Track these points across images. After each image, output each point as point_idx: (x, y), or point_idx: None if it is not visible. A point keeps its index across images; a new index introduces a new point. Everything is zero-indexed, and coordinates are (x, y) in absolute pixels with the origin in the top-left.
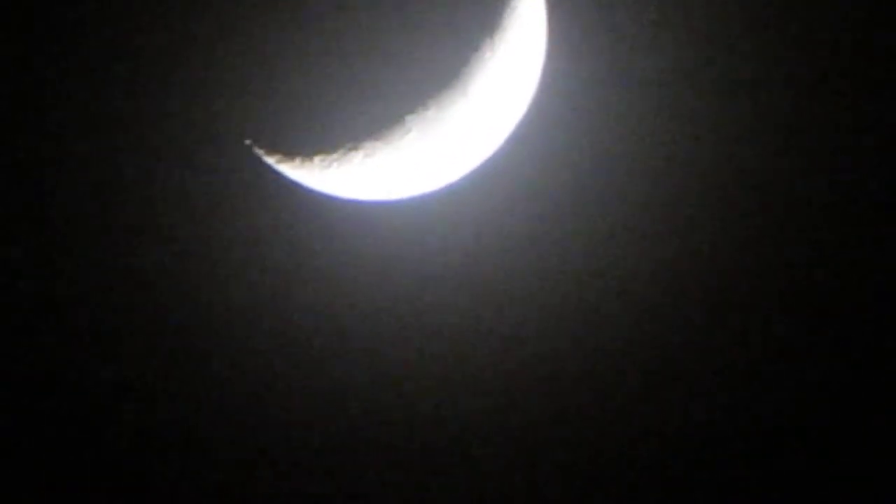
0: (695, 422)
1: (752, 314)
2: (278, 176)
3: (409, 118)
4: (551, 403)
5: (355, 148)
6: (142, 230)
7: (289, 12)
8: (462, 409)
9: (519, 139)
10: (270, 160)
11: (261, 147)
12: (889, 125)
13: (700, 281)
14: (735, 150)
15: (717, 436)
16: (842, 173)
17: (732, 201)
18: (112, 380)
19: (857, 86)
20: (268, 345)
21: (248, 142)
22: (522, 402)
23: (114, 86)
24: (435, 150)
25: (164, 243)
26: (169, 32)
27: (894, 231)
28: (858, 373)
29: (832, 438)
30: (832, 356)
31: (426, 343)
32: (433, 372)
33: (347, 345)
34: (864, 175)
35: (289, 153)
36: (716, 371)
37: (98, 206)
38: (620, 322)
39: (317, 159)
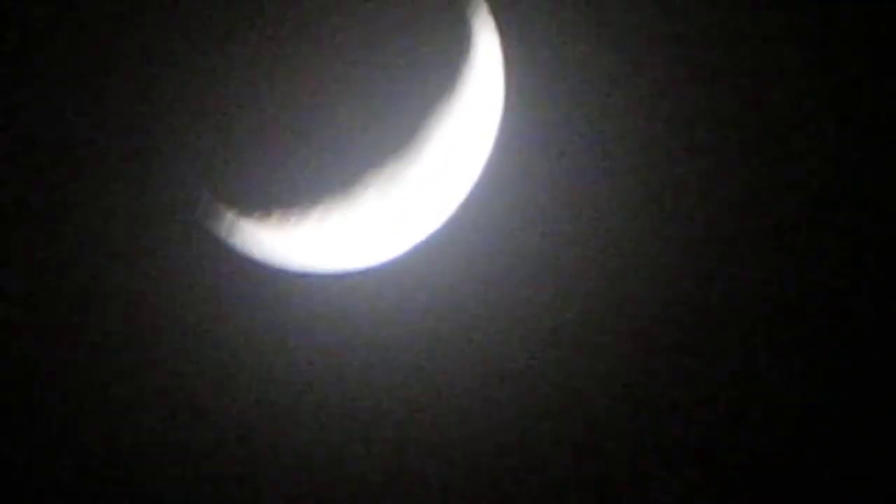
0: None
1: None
2: (234, 235)
3: (366, 178)
4: (517, 470)
5: (314, 204)
6: (97, 296)
7: (245, 68)
8: (419, 476)
9: (476, 198)
10: (228, 215)
11: (219, 201)
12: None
13: (660, 345)
14: (689, 214)
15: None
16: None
17: (687, 266)
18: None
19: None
20: (215, 422)
21: (204, 199)
22: (485, 469)
23: (67, 134)
24: (393, 209)
25: (117, 310)
26: (131, 80)
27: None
28: (858, 374)
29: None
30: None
31: (386, 413)
32: (390, 441)
33: (301, 419)
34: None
35: (246, 210)
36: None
37: (42, 273)
38: (580, 385)
39: (275, 215)
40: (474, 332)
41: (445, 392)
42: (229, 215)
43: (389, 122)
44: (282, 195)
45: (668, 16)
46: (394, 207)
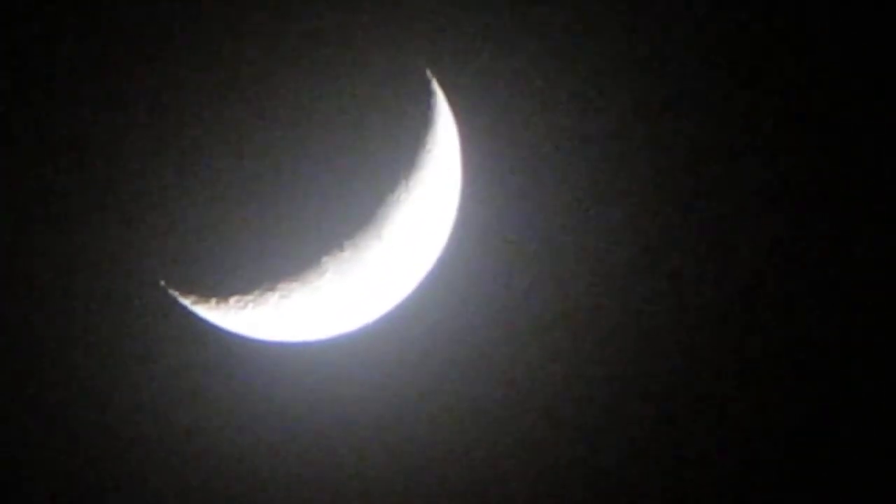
0: None
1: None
2: (193, 317)
3: (324, 259)
4: None
5: (271, 289)
6: (53, 374)
7: (204, 155)
8: None
9: (434, 279)
10: (185, 301)
11: (175, 289)
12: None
13: (623, 414)
14: (642, 284)
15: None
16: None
17: (643, 335)
18: None
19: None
20: (181, 488)
21: (162, 283)
22: None
23: (26, 226)
24: (350, 292)
25: (78, 387)
26: (85, 171)
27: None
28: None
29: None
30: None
31: (344, 486)
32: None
33: (263, 487)
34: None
35: (204, 294)
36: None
37: (10, 349)
38: (541, 458)
39: (232, 300)
40: (430, 402)
41: (401, 456)
42: (186, 302)
43: (346, 208)
44: (237, 282)
45: (617, 100)
46: (351, 290)
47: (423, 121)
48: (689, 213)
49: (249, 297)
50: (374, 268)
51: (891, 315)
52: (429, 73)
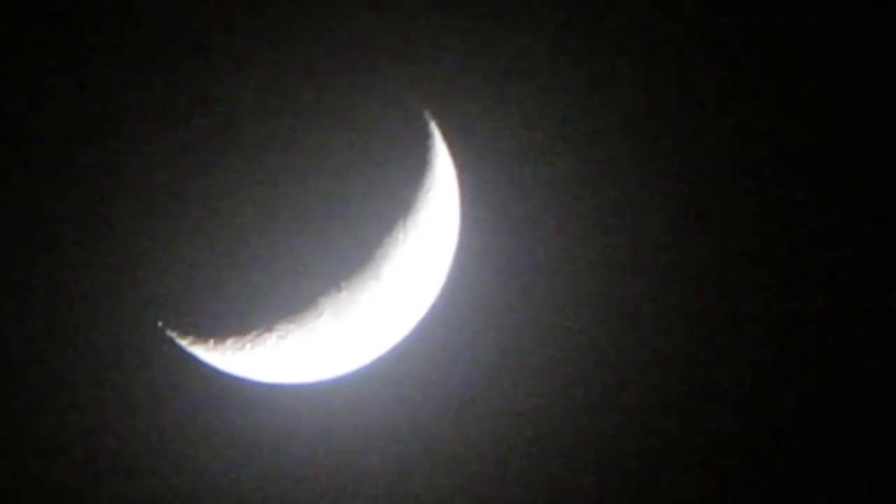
0: None
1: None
2: (190, 358)
3: (322, 300)
4: None
5: (269, 330)
6: (49, 414)
7: (200, 196)
8: None
9: (432, 321)
10: (183, 343)
11: (173, 330)
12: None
13: (623, 449)
14: (635, 327)
15: None
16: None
17: (644, 386)
18: None
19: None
20: None
21: (160, 324)
22: None
23: (22, 265)
24: (348, 333)
25: (73, 428)
26: (83, 212)
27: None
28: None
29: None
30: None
31: None
32: None
33: None
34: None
35: (201, 335)
36: None
37: (4, 387)
38: (541, 499)
39: (230, 341)
40: (427, 443)
41: (398, 498)
42: (184, 343)
43: (344, 249)
44: (235, 323)
45: (614, 141)
46: (348, 331)
47: (421, 162)
48: (689, 251)
49: (247, 339)
50: (372, 309)
51: (891, 314)
52: (427, 114)
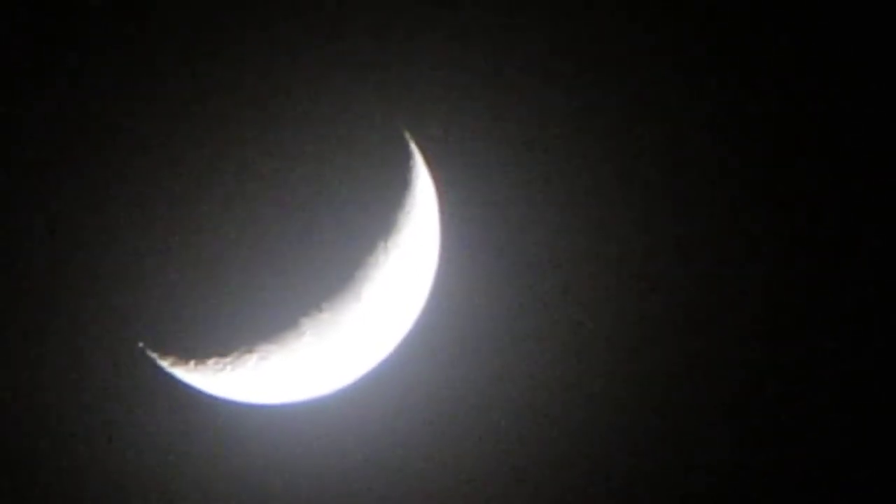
0: None
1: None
2: (171, 378)
3: (303, 321)
4: None
5: (250, 351)
6: (30, 436)
7: (182, 217)
8: None
9: (413, 341)
10: (164, 363)
11: (154, 350)
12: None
13: (597, 472)
14: (616, 340)
15: None
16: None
17: (630, 407)
18: None
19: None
20: None
21: (140, 345)
22: None
23: (1, 288)
24: (330, 353)
25: (54, 449)
26: (63, 233)
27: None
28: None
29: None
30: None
31: None
32: None
33: None
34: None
35: (182, 356)
36: None
37: None
38: None
39: (211, 362)
40: (408, 464)
41: None
42: (164, 363)
43: (325, 269)
44: (216, 343)
45: (597, 160)
46: (329, 352)
47: (401, 182)
48: (673, 293)
49: (228, 359)
50: (353, 329)
51: (889, 313)
52: (407, 135)
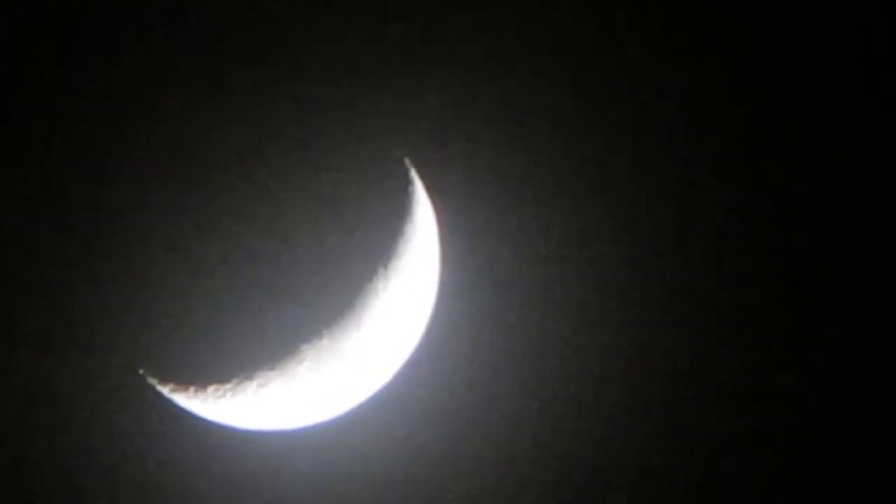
0: None
1: None
2: (171, 404)
3: (303, 348)
4: None
5: (249, 378)
6: (28, 462)
7: (181, 245)
8: None
9: (412, 368)
10: (163, 389)
11: (153, 377)
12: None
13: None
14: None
15: None
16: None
17: (627, 435)
18: None
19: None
20: None
21: (140, 371)
22: None
23: (4, 312)
24: (328, 380)
25: (54, 476)
26: (65, 259)
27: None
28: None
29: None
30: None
31: None
32: None
33: None
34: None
35: (182, 382)
36: None
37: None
38: None
39: (210, 389)
40: (406, 492)
41: None
42: (164, 390)
43: (325, 296)
44: (216, 370)
45: (598, 188)
46: (329, 379)
47: (401, 209)
48: (673, 310)
49: (228, 386)
50: (352, 356)
51: (888, 312)
52: (407, 161)
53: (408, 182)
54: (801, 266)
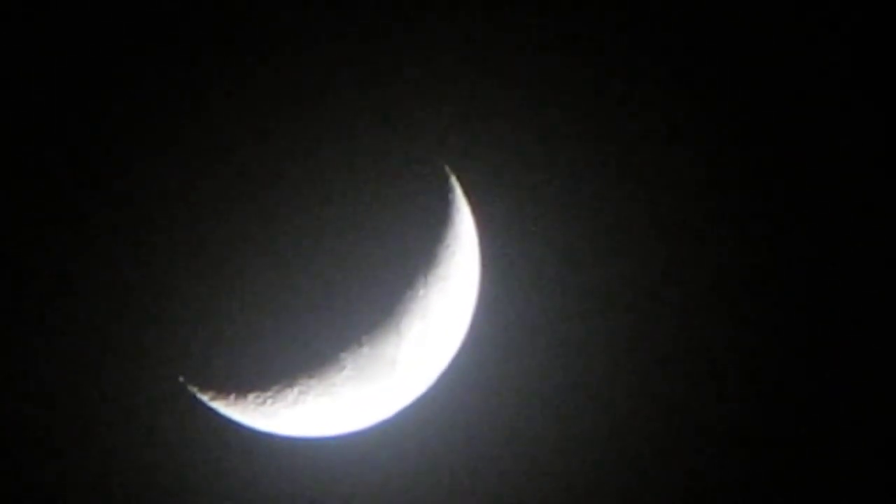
0: None
1: None
2: (211, 412)
3: (343, 355)
4: None
5: (290, 385)
6: (71, 471)
7: (223, 254)
8: None
9: (452, 375)
10: (204, 397)
11: (194, 385)
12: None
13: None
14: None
15: None
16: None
17: (669, 444)
18: None
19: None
20: None
21: (181, 379)
22: None
23: (46, 320)
24: (369, 388)
25: (97, 485)
26: (106, 268)
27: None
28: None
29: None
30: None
31: None
32: None
33: None
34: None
35: (223, 390)
36: None
37: (26, 444)
38: None
39: (251, 396)
40: (446, 499)
41: None
42: (205, 398)
43: (365, 304)
44: (256, 378)
45: (638, 196)
46: (369, 386)
47: (442, 217)
48: (709, 311)
49: (268, 394)
50: (393, 364)
51: (888, 313)
52: (448, 169)
53: (448, 189)
54: (801, 266)
